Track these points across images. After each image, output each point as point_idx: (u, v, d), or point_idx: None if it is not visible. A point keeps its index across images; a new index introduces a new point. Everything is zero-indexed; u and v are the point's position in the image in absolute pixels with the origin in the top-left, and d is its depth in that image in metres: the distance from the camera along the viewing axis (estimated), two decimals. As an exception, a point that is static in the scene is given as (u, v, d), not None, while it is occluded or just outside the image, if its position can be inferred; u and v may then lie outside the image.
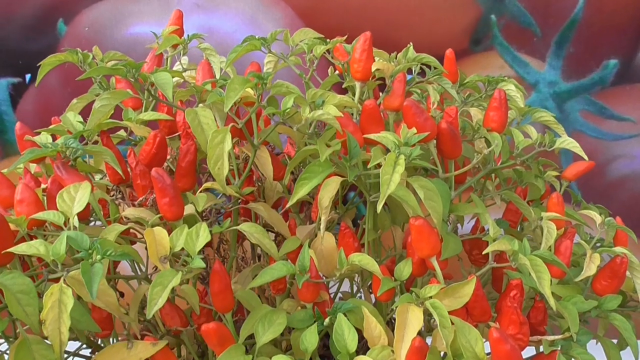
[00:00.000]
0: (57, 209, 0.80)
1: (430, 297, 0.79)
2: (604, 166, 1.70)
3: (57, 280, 0.74)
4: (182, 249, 0.80)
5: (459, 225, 1.10)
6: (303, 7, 1.65)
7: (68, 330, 0.67)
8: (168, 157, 1.03)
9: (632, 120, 1.67)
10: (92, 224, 0.95)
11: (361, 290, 1.09)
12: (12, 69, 1.69)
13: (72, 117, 0.99)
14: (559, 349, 0.82)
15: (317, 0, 1.65)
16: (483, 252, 0.85)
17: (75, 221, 0.77)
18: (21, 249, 0.71)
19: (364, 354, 0.79)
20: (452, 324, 0.78)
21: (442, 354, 0.80)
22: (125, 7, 1.68)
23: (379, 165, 0.85)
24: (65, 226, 0.78)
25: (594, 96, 1.67)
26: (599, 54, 1.65)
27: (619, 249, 0.93)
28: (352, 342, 0.78)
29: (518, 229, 1.12)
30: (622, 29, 1.65)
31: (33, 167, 1.04)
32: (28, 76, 1.71)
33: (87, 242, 0.71)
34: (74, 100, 1.10)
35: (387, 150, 0.84)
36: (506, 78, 1.15)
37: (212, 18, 1.68)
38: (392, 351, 0.78)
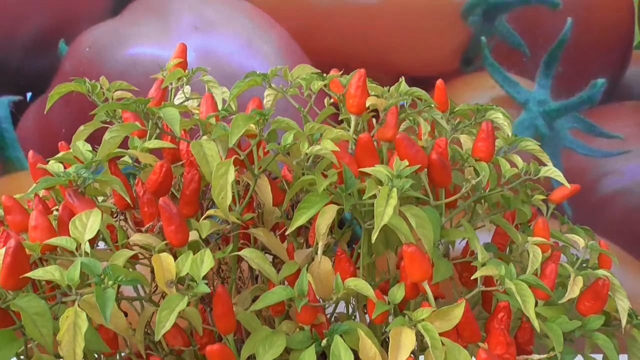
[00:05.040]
0: (68, 235, 0.85)
1: (422, 320, 0.83)
2: (595, 183, 1.72)
3: (68, 302, 0.79)
4: (187, 273, 0.84)
5: (450, 247, 1.15)
6: (298, 29, 1.67)
7: (82, 351, 0.72)
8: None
9: (621, 137, 1.71)
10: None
11: (356, 311, 1.13)
12: (13, 87, 1.72)
13: (81, 145, 1.03)
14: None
15: (312, 23, 1.68)
16: (472, 277, 0.90)
17: (87, 247, 0.82)
18: (38, 274, 0.76)
19: (360, 374, 0.83)
20: (443, 345, 0.83)
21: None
22: (125, 29, 1.71)
23: (373, 195, 0.90)
24: (77, 251, 0.83)
25: (583, 114, 1.70)
26: (587, 73, 1.68)
27: (601, 272, 0.98)
28: (348, 362, 0.83)
29: (507, 251, 1.17)
30: (609, 49, 1.67)
31: (41, 191, 1.08)
32: (29, 94, 1.72)
33: (100, 268, 0.76)
34: (81, 127, 1.14)
35: (381, 181, 0.89)
36: (494, 106, 1.20)
37: (210, 40, 1.71)
38: (386, 371, 0.83)
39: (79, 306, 0.74)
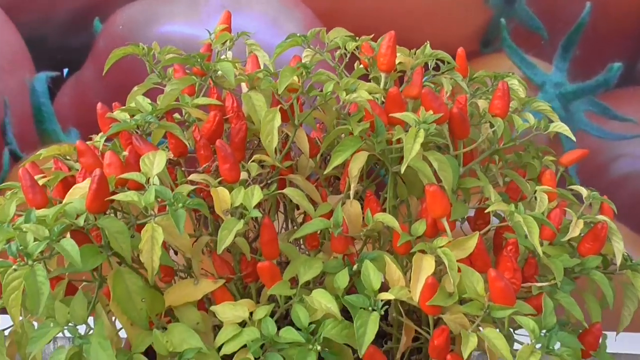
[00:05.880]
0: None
1: (441, 247, 0.97)
2: (607, 165, 1.75)
3: (140, 228, 0.93)
4: (239, 205, 0.98)
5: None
6: (322, 9, 1.72)
7: (159, 259, 0.87)
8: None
9: (634, 121, 1.72)
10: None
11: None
12: (51, 64, 1.80)
13: (141, 100, 1.16)
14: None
15: (335, 3, 1.72)
16: (485, 211, 1.03)
17: (155, 180, 0.96)
18: (119, 197, 0.90)
19: (385, 293, 0.97)
20: (459, 270, 0.96)
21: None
22: (157, 7, 1.77)
23: (399, 142, 1.04)
24: (147, 184, 0.97)
25: (598, 97, 1.72)
26: (603, 57, 1.70)
27: (600, 217, 1.10)
28: (376, 282, 0.97)
29: (518, 205, 1.29)
30: (626, 34, 1.68)
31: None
32: (66, 70, 1.81)
33: (170, 193, 0.90)
34: (135, 88, 1.27)
35: (406, 131, 1.02)
36: (511, 74, 1.31)
37: (236, 19, 1.69)
38: (409, 291, 0.97)
39: (155, 223, 0.88)
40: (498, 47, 1.72)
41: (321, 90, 1.05)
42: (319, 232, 1.11)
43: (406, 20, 1.70)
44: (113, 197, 0.91)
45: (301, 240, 1.20)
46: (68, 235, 0.90)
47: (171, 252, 1.13)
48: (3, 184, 1.10)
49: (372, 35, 1.27)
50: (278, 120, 1.02)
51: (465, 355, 0.89)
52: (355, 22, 1.70)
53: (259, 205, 1.27)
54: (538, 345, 0.89)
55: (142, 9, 1.78)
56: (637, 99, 1.72)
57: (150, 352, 0.96)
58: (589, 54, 1.69)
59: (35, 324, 0.98)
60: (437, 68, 1.29)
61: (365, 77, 1.29)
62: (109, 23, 1.77)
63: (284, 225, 1.32)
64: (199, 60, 1.08)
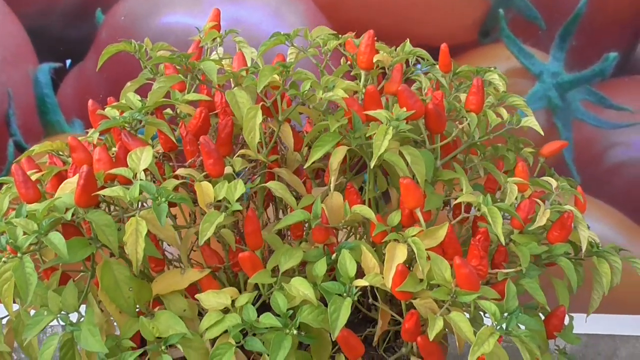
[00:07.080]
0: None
1: (413, 236, 1.02)
2: (603, 153, 1.79)
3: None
4: (223, 198, 1.04)
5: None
6: (325, 1, 1.73)
7: (143, 251, 0.92)
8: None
9: (630, 110, 1.76)
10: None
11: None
12: (53, 55, 1.80)
13: (132, 96, 1.21)
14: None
15: None
16: (454, 203, 1.08)
17: (142, 175, 1.02)
18: (106, 192, 0.96)
19: (361, 280, 1.02)
20: (429, 258, 1.02)
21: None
22: None
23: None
24: (134, 179, 1.02)
25: (595, 87, 1.74)
26: (600, 47, 1.72)
27: (567, 207, 1.15)
28: (352, 269, 1.02)
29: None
30: (622, 24, 1.71)
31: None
32: (68, 61, 1.81)
33: (154, 188, 0.96)
34: (128, 84, 1.31)
35: (383, 125, 1.06)
36: (492, 68, 1.35)
37: (240, 10, 1.76)
38: (382, 277, 1.02)
39: (139, 217, 0.94)
40: (496, 37, 1.74)
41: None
42: (304, 222, 1.16)
43: (408, 11, 1.73)
44: (99, 192, 0.96)
45: (287, 231, 1.26)
46: (59, 228, 0.96)
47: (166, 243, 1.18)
48: (-1, 179, 1.16)
49: (355, 32, 1.32)
50: (259, 117, 1.07)
51: (431, 337, 0.95)
52: (357, 14, 1.73)
53: (250, 198, 1.33)
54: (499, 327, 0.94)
55: (143, 0, 1.77)
56: (633, 88, 1.75)
57: (143, 339, 1.02)
58: (585, 44, 1.72)
59: (33, 312, 1.04)
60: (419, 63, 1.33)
61: (349, 73, 1.34)
62: (110, 14, 1.78)
63: (275, 217, 1.37)
64: (184, 59, 1.13)
